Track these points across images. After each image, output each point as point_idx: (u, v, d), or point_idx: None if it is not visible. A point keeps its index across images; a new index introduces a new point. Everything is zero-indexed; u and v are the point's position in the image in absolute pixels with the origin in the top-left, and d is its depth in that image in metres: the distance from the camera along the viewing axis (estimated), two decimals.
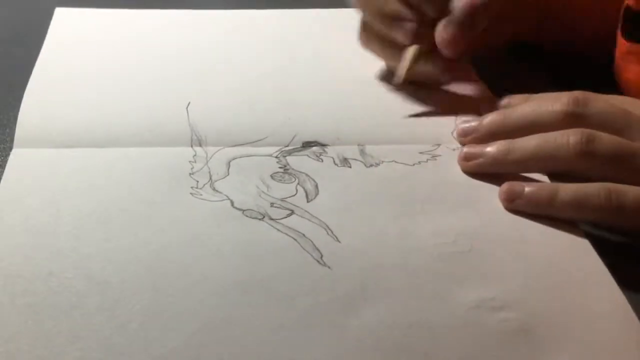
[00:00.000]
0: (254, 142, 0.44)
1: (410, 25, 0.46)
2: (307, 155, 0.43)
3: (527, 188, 0.39)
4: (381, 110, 0.48)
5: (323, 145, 0.44)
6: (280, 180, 0.41)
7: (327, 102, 0.48)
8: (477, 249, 0.37)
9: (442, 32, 0.46)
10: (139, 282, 0.34)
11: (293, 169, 0.42)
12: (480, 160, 0.41)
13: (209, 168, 0.42)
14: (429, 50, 0.47)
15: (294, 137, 0.45)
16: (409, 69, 0.48)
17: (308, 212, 0.39)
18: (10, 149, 0.42)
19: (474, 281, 0.35)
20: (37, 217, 0.37)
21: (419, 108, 0.49)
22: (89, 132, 0.44)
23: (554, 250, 0.37)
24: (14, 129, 0.44)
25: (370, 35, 0.49)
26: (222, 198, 0.39)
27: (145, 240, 0.36)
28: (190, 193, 0.40)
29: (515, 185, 0.39)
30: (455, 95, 0.50)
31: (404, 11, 0.47)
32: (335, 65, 0.53)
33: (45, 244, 0.36)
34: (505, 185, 0.40)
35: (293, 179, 0.41)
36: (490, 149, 0.41)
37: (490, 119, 0.44)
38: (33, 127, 0.44)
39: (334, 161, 0.43)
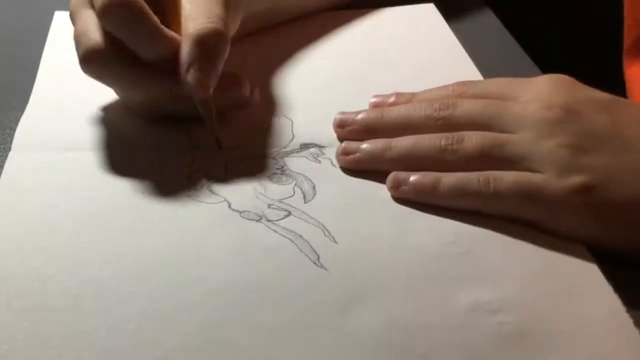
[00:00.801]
0: (251, 144, 0.44)
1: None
2: (305, 157, 0.43)
3: (412, 177, 0.40)
4: None
5: (321, 147, 0.44)
6: (277, 182, 0.41)
7: (325, 104, 0.48)
8: (474, 249, 0.37)
9: (189, 79, 0.40)
10: (135, 284, 0.34)
11: (290, 170, 0.42)
12: (358, 155, 0.42)
13: (206, 170, 0.42)
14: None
15: (291, 140, 0.45)
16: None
17: (305, 213, 0.39)
18: (10, 150, 0.42)
19: (471, 283, 0.35)
20: (34, 219, 0.37)
21: None
22: (87, 135, 0.44)
23: (551, 254, 0.37)
24: (14, 130, 0.44)
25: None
26: (219, 200, 0.39)
27: (142, 242, 0.36)
28: (188, 195, 0.40)
29: (401, 174, 0.40)
30: None
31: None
32: (335, 67, 0.52)
33: (42, 246, 0.36)
34: (392, 174, 0.40)
35: (290, 180, 0.41)
36: (368, 145, 0.42)
37: (366, 114, 0.44)
38: (31, 130, 0.44)
39: (331, 162, 0.43)
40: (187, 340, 0.32)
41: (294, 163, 0.43)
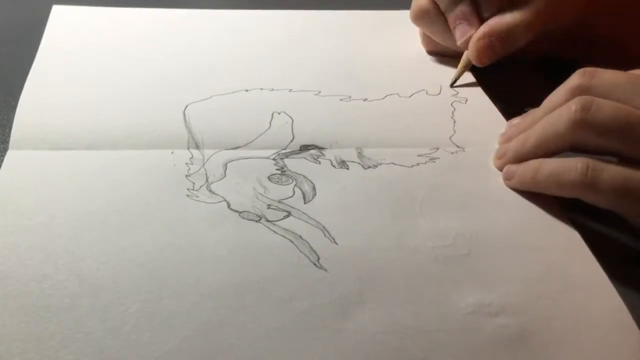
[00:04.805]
0: (251, 145, 0.44)
1: (469, 31, 0.50)
2: (305, 157, 0.43)
3: (519, 167, 0.41)
4: (380, 115, 0.48)
5: (321, 148, 0.44)
6: (277, 182, 0.41)
7: (325, 105, 0.48)
8: (475, 252, 0.37)
9: (476, 43, 0.49)
10: (133, 284, 0.34)
11: (290, 170, 0.42)
12: (505, 156, 0.43)
13: (206, 170, 0.41)
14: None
15: (291, 141, 0.44)
16: (460, 73, 0.52)
17: (305, 214, 0.39)
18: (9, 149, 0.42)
19: (471, 285, 0.35)
20: (32, 218, 0.37)
21: (418, 113, 0.48)
22: (85, 134, 0.43)
23: (552, 255, 0.37)
24: None
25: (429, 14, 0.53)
26: (218, 200, 0.39)
27: (141, 242, 0.36)
28: (187, 195, 0.39)
29: (511, 166, 0.42)
30: (453, 101, 0.50)
31: (470, 17, 0.50)
32: (334, 68, 0.52)
33: (40, 245, 0.36)
34: (505, 167, 0.42)
35: (290, 181, 0.41)
36: (510, 143, 0.43)
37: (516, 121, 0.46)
38: (29, 128, 0.44)
39: (331, 163, 0.43)
40: (185, 342, 0.31)
41: (294, 164, 0.42)
